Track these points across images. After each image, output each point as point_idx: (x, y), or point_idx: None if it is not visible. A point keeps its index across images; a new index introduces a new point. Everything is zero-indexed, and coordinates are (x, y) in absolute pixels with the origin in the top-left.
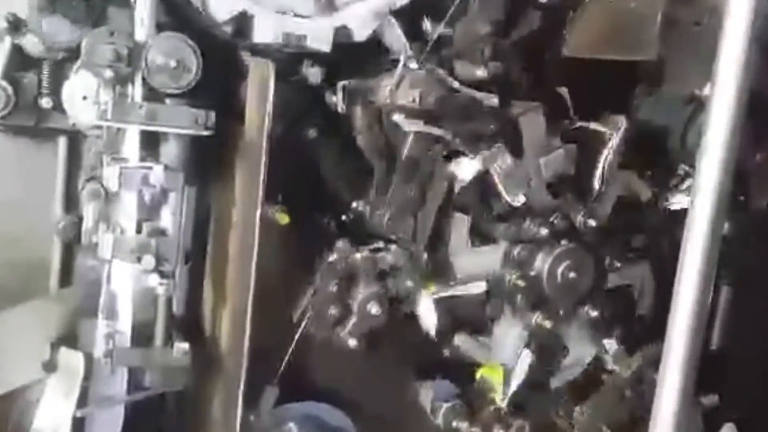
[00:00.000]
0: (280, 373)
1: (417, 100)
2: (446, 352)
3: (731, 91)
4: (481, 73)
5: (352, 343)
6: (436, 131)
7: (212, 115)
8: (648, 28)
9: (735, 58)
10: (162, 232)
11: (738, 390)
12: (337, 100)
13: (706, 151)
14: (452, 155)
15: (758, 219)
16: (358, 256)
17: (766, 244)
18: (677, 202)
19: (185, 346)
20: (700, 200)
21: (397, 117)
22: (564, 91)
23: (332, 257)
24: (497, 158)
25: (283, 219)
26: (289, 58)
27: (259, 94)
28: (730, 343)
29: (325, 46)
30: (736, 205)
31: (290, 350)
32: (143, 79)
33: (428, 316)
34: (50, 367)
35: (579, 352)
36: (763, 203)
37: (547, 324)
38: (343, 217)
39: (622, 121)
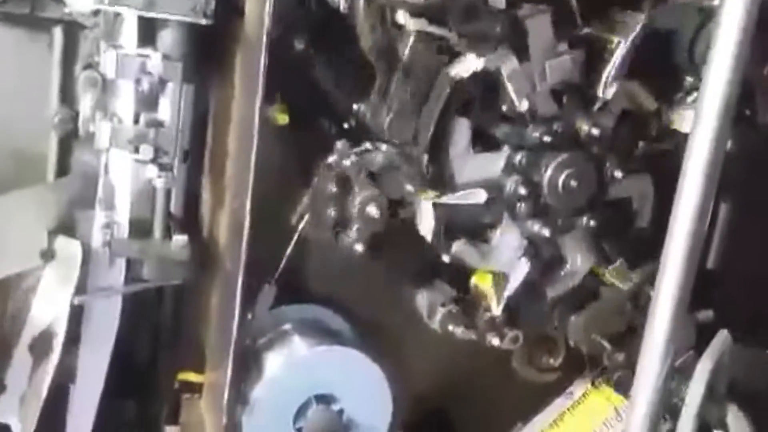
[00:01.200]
0: (279, 274)
1: None
2: (445, 258)
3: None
4: None
5: (359, 248)
6: (439, 31)
7: (212, 1)
8: None
9: None
10: (160, 123)
11: (733, 307)
12: None
13: (713, 62)
14: (457, 56)
15: (765, 135)
16: (346, 161)
17: None
18: (681, 116)
19: (184, 238)
20: (704, 113)
21: (400, 15)
22: None
23: (331, 158)
24: (502, 60)
25: (283, 119)
26: None
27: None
28: (728, 261)
29: None
30: (743, 118)
31: (288, 251)
32: None
33: (426, 221)
34: (48, 255)
35: (577, 262)
36: None
37: (546, 232)
38: (345, 122)
39: (632, 27)
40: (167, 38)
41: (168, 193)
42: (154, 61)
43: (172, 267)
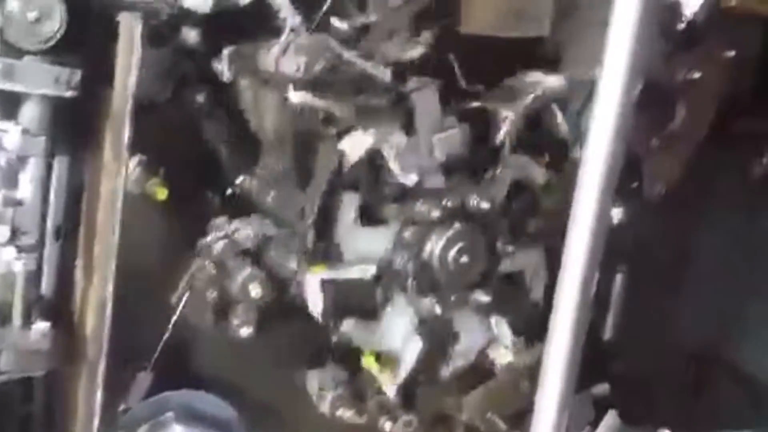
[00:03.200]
0: (158, 359)
1: (302, 68)
2: (334, 338)
3: (620, 76)
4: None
5: (244, 330)
6: (324, 104)
7: (76, 74)
8: (542, 4)
9: (624, 41)
10: (19, 202)
11: (630, 379)
12: (222, 67)
13: (594, 135)
14: (343, 130)
15: (652, 206)
16: (221, 243)
17: (660, 231)
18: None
19: (46, 326)
20: (586, 184)
21: (284, 87)
22: (460, 68)
23: (209, 237)
24: (389, 135)
25: (161, 193)
26: (168, 20)
27: (126, 52)
28: (624, 332)
29: (205, 7)
30: (630, 192)
31: (166, 335)
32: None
33: (314, 299)
34: None
35: (470, 339)
36: (658, 189)
37: (438, 309)
38: (229, 192)
39: (522, 99)
40: (29, 112)
41: (32, 276)
42: (12, 136)
43: (31, 357)
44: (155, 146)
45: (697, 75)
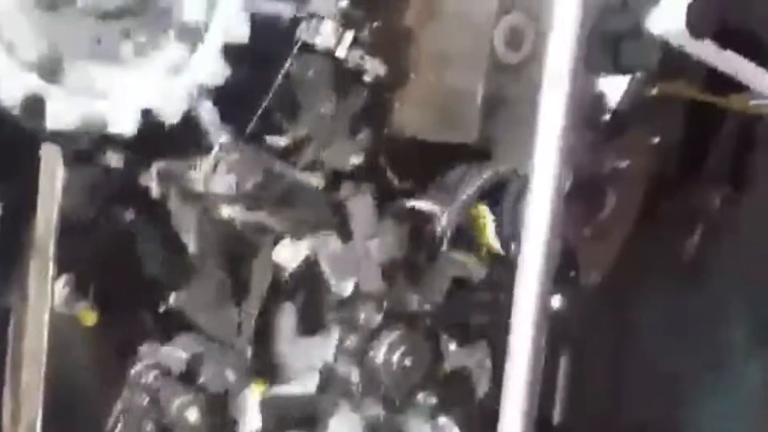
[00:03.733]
0: None
1: (233, 187)
2: None
3: (550, 170)
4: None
5: None
6: (257, 218)
7: None
8: (468, 110)
9: (552, 136)
10: None
11: None
12: (151, 183)
13: (530, 226)
14: (277, 241)
15: (591, 294)
16: (150, 372)
17: (600, 317)
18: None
19: None
20: (525, 278)
21: (216, 204)
22: (393, 169)
23: (139, 366)
24: (324, 243)
25: (89, 318)
26: (92, 141)
27: (48, 183)
28: (573, 414)
29: (129, 130)
30: (568, 280)
31: None
32: None
33: (253, 416)
34: None
35: None
36: (593, 277)
37: (384, 414)
38: (161, 310)
39: (453, 199)
40: None
41: None
42: None
43: None
44: (83, 266)
45: (624, 164)
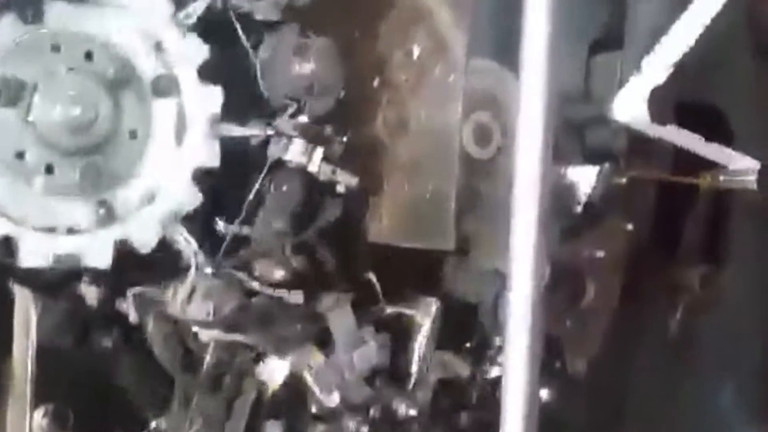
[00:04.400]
0: None
1: (211, 313)
2: None
3: (528, 264)
4: (282, 273)
5: None
6: (237, 339)
7: None
8: (443, 217)
9: (528, 230)
10: None
11: None
12: (128, 309)
13: (512, 324)
14: (260, 359)
15: (577, 383)
16: None
17: (587, 406)
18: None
19: None
20: (511, 373)
21: (194, 328)
22: (372, 277)
23: None
24: (307, 358)
25: None
26: (65, 275)
27: (22, 321)
28: None
29: (104, 263)
30: (554, 372)
31: None
32: None
33: None
34: None
35: None
36: (579, 367)
37: None
38: None
39: (432, 303)
40: None
41: None
42: None
43: None
44: (62, 395)
45: (601, 253)
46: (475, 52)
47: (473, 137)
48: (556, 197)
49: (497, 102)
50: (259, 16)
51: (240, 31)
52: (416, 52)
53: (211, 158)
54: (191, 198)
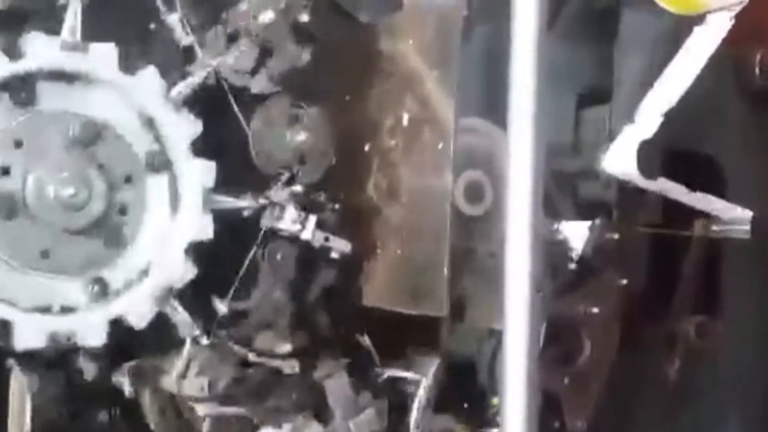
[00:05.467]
0: None
1: (206, 388)
2: None
3: (523, 322)
4: (285, 347)
5: None
6: (234, 411)
7: None
8: (437, 284)
9: (521, 287)
10: None
11: None
12: (123, 382)
13: (509, 383)
14: (255, 430)
15: None
16: None
17: None
18: None
19: None
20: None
21: (190, 401)
22: (368, 341)
23: None
24: (304, 428)
25: None
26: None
27: (17, 403)
28: None
29: (98, 341)
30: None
31: None
32: None
33: None
34: None
35: None
36: (579, 425)
37: None
38: None
39: (430, 364)
40: None
41: None
42: None
43: None
44: None
45: (596, 309)
46: (464, 111)
47: (465, 195)
48: (550, 253)
49: (488, 159)
50: (255, 90)
51: (234, 105)
52: (406, 118)
53: (205, 231)
54: (185, 272)
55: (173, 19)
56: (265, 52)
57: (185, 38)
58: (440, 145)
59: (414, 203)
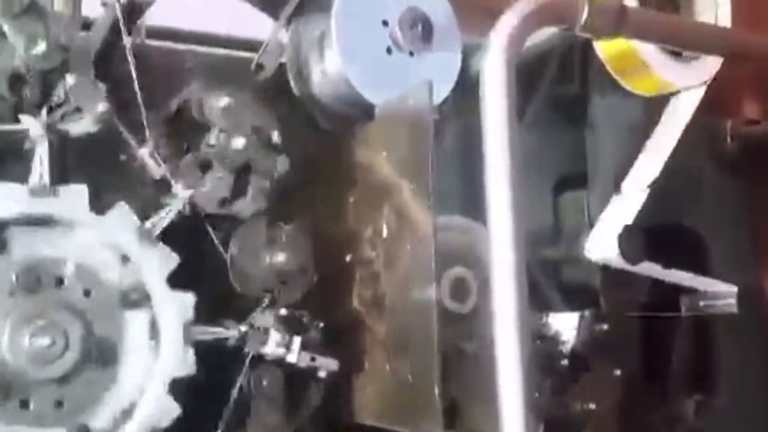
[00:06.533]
0: None
1: None
2: None
3: (518, 424)
4: None
5: None
6: None
7: None
8: (428, 400)
9: (515, 387)
10: None
11: None
12: None
13: None
14: None
15: None
16: None
17: None
18: None
19: None
20: None
21: None
22: None
23: None
24: None
25: None
26: None
27: None
28: None
29: None
30: None
31: None
32: None
33: None
34: None
35: None
36: None
37: None
38: None
39: None
40: None
41: None
42: None
43: None
44: None
45: (593, 405)
46: (443, 211)
47: (451, 293)
48: (541, 351)
49: (471, 255)
50: (232, 213)
51: (212, 232)
52: (385, 230)
53: (187, 366)
54: (169, 410)
55: (144, 152)
56: (240, 177)
57: (157, 170)
58: (422, 257)
59: (399, 316)
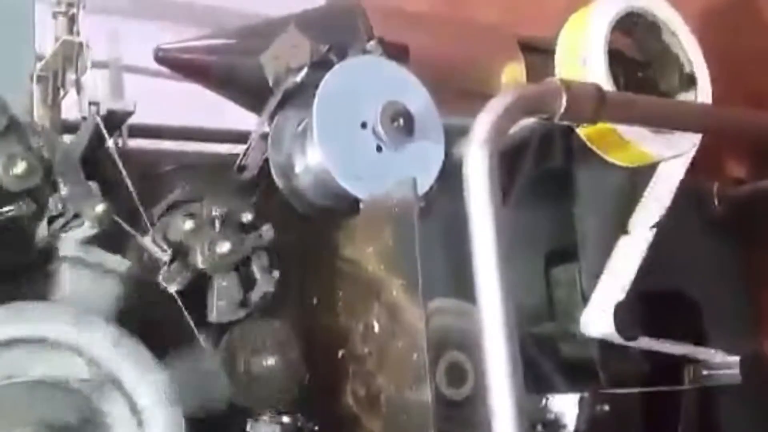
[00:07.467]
0: None
1: None
2: None
3: None
4: None
5: None
6: None
7: None
8: None
9: None
10: None
11: None
12: None
13: None
14: None
15: None
16: None
17: None
18: None
19: None
20: None
21: None
22: None
23: None
24: None
25: None
26: None
27: None
28: None
29: None
30: None
31: None
32: None
33: None
34: None
35: None
36: None
37: None
38: None
39: None
40: None
41: None
42: None
43: None
44: None
45: None
46: (434, 294)
47: (446, 379)
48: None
49: (466, 338)
50: (223, 319)
51: (200, 338)
52: (376, 326)
53: None
54: None
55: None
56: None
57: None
58: (414, 357)
59: (394, 414)
